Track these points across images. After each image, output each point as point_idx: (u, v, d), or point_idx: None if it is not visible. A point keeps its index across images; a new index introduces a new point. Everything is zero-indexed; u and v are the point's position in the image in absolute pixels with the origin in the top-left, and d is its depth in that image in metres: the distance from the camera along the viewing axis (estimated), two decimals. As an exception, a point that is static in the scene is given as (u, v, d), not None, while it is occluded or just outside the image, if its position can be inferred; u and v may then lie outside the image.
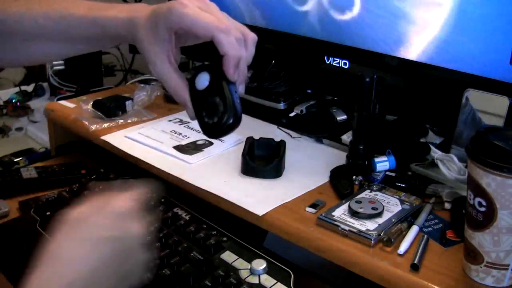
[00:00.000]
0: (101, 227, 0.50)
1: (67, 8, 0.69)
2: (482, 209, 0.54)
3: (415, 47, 0.81)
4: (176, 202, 0.82)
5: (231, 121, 0.56)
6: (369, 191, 0.74)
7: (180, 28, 0.58)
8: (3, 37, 0.72)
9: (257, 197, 0.74)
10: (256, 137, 0.86)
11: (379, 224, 0.66)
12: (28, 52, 0.73)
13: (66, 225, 0.50)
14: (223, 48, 0.56)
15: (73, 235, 0.50)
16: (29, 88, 1.56)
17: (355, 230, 0.64)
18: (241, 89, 0.59)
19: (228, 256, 0.69)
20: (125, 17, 0.63)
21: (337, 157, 0.85)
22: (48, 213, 0.82)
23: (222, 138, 0.91)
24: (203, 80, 0.58)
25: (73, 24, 0.68)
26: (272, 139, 0.85)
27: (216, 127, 0.56)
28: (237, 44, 0.57)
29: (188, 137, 0.93)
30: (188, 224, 0.75)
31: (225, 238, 0.72)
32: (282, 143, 0.83)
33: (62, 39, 0.71)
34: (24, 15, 0.71)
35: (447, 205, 0.71)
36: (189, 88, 0.59)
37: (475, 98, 0.72)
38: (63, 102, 1.12)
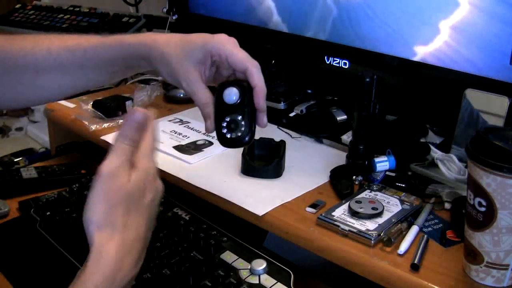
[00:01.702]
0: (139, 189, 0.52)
1: (81, 38, 0.72)
2: (482, 209, 0.54)
3: (415, 47, 0.81)
4: (176, 202, 0.82)
5: (246, 139, 0.64)
6: (369, 191, 0.74)
7: (219, 56, 0.67)
8: (14, 73, 0.72)
9: (257, 197, 0.74)
10: (256, 137, 0.86)
11: (379, 224, 0.66)
12: (43, 86, 0.74)
13: (103, 183, 0.50)
14: (254, 80, 0.65)
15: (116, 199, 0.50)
16: (29, 88, 1.55)
17: (355, 230, 0.64)
18: (265, 120, 0.67)
19: (228, 256, 0.69)
20: (142, 40, 0.70)
21: (337, 157, 0.85)
22: (48, 213, 0.82)
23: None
24: (231, 95, 0.64)
25: (90, 51, 0.71)
26: (272, 139, 0.85)
27: (233, 141, 0.64)
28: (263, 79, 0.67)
29: (188, 137, 0.93)
30: (188, 224, 0.75)
31: (225, 238, 0.72)
32: (282, 143, 0.83)
33: (77, 68, 0.73)
34: (36, 47, 0.72)
35: (447, 205, 0.71)
36: (216, 98, 0.65)
37: (475, 98, 0.72)
38: (63, 102, 1.12)
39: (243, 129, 0.64)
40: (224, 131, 0.65)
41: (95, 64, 0.73)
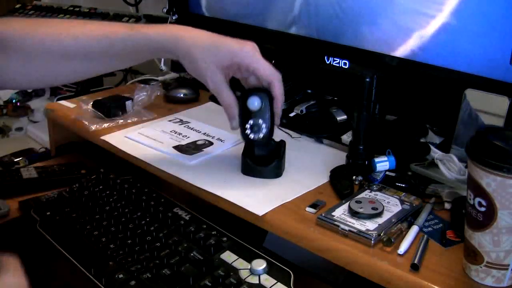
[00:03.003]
0: None
1: (107, 27, 0.75)
2: (482, 209, 0.54)
3: (415, 47, 0.81)
4: (176, 202, 0.82)
5: (267, 138, 0.78)
6: (369, 191, 0.74)
7: (247, 69, 0.74)
8: (39, 58, 0.74)
9: (257, 197, 0.74)
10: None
11: (379, 224, 0.66)
12: (68, 71, 0.77)
13: None
14: (276, 92, 0.75)
15: None
16: (29, 88, 1.55)
17: (355, 230, 0.64)
18: (277, 121, 0.78)
19: (228, 256, 0.69)
20: (169, 35, 0.73)
21: (337, 157, 0.85)
22: (48, 213, 0.82)
23: (222, 138, 0.92)
24: (254, 103, 0.76)
25: (117, 44, 0.74)
26: (272, 139, 0.85)
27: (255, 140, 0.78)
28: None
29: (188, 137, 0.93)
30: (188, 224, 0.75)
31: (225, 238, 0.72)
32: (282, 143, 0.83)
33: (102, 56, 0.76)
34: (63, 34, 0.75)
35: (447, 205, 0.71)
36: (240, 104, 0.76)
37: (475, 98, 0.72)
38: (63, 102, 1.12)
39: (264, 130, 0.77)
40: (248, 132, 0.77)
41: (121, 54, 0.76)
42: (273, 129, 0.78)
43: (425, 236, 0.64)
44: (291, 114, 1.00)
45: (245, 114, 0.77)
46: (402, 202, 0.71)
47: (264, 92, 0.76)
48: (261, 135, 0.77)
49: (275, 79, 0.75)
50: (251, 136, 0.77)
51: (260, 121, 0.76)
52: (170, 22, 1.17)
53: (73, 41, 0.74)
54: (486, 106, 0.71)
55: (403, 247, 0.62)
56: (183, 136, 0.93)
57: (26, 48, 0.73)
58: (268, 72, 0.74)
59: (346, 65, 0.91)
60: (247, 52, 0.74)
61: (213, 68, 0.73)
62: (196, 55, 0.73)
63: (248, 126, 0.77)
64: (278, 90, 0.75)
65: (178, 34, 0.74)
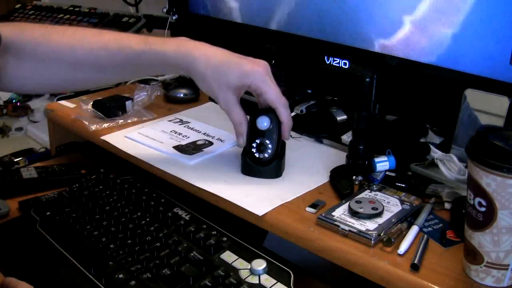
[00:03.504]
0: None
1: (122, 41, 0.76)
2: (482, 209, 0.54)
3: (415, 47, 0.81)
4: (176, 202, 0.82)
5: (271, 159, 0.79)
6: (369, 191, 0.74)
7: (255, 91, 0.76)
8: (51, 66, 0.76)
9: (257, 197, 0.74)
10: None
11: (379, 224, 0.66)
12: (79, 79, 0.78)
13: None
14: (283, 118, 0.77)
15: None
16: (29, 88, 1.55)
17: (355, 230, 0.64)
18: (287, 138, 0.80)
19: (228, 256, 0.69)
20: (182, 55, 0.75)
21: (337, 157, 0.85)
22: (48, 213, 0.82)
23: (222, 138, 0.92)
24: (263, 123, 0.78)
25: (132, 56, 0.75)
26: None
27: (259, 160, 0.79)
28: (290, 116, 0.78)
29: (188, 137, 0.93)
30: (188, 224, 0.75)
31: (225, 238, 0.72)
32: (282, 143, 0.83)
33: (115, 69, 0.77)
34: (76, 45, 0.76)
35: (447, 205, 0.71)
36: (250, 122, 0.79)
37: (475, 98, 0.72)
38: (63, 102, 1.12)
39: (269, 151, 0.79)
40: (254, 150, 0.79)
41: (134, 68, 0.78)
42: (278, 150, 0.79)
43: (425, 236, 0.64)
44: (291, 114, 0.99)
45: (253, 132, 0.79)
46: (402, 202, 0.71)
47: (275, 113, 0.78)
48: (266, 155, 0.78)
49: (281, 105, 0.76)
50: (256, 154, 0.79)
51: (267, 141, 0.78)
52: (170, 22, 1.17)
53: (87, 53, 0.75)
54: (486, 106, 0.71)
55: (403, 247, 0.62)
56: (183, 136, 0.93)
57: (38, 56, 0.74)
58: (273, 98, 0.76)
59: (346, 65, 0.91)
60: (258, 74, 0.75)
61: (224, 88, 0.75)
62: (208, 75, 0.75)
63: (254, 145, 0.79)
64: (283, 116, 0.77)
65: (192, 52, 0.75)
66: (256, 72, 0.75)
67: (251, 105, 0.82)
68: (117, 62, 0.76)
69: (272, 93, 0.76)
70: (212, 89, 0.76)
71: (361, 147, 0.78)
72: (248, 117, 0.79)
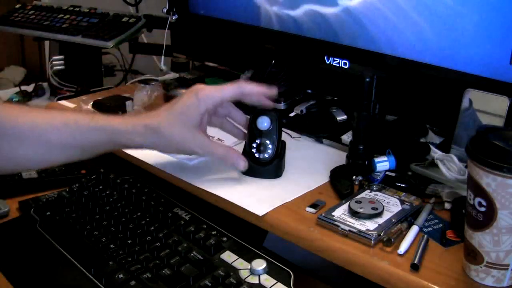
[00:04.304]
0: None
1: (70, 117, 0.73)
2: (482, 209, 0.54)
3: (416, 47, 0.81)
4: (176, 202, 0.82)
5: (271, 159, 0.79)
6: (369, 191, 0.74)
7: (211, 106, 0.74)
8: None
9: (257, 197, 0.74)
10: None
11: (379, 224, 0.66)
12: (24, 156, 0.72)
13: None
14: (252, 91, 0.76)
15: None
16: (29, 88, 1.55)
17: (355, 230, 0.64)
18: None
19: (228, 256, 0.69)
20: (140, 124, 0.72)
21: (337, 157, 0.85)
22: (48, 213, 0.82)
23: (222, 138, 0.91)
24: (263, 123, 0.78)
25: (77, 132, 0.72)
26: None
27: (259, 160, 0.79)
28: None
29: (188, 137, 0.93)
30: (188, 224, 0.75)
31: (225, 238, 0.72)
32: (282, 143, 0.83)
33: (63, 145, 0.73)
34: (20, 118, 0.71)
35: (447, 205, 0.71)
36: (250, 123, 0.79)
37: (475, 98, 0.72)
38: (63, 102, 1.12)
39: (269, 151, 0.79)
40: (254, 150, 0.79)
41: (82, 145, 0.73)
42: (278, 150, 0.79)
43: (425, 236, 0.64)
44: (291, 114, 1.00)
45: (253, 132, 0.79)
46: (402, 202, 0.71)
47: (274, 113, 0.78)
48: (266, 155, 0.78)
49: (240, 92, 0.75)
50: (256, 155, 0.79)
51: (267, 141, 0.78)
52: (170, 22, 1.17)
53: (33, 126, 0.71)
54: (486, 106, 0.71)
55: (403, 247, 0.62)
56: (183, 136, 0.93)
57: None
58: (230, 95, 0.75)
59: (346, 65, 0.91)
60: (203, 92, 0.74)
61: (189, 134, 0.73)
62: (174, 136, 0.73)
63: (254, 145, 0.79)
64: (251, 89, 0.76)
65: (149, 123, 0.73)
66: (202, 92, 0.74)
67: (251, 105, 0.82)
68: (64, 137, 0.72)
69: (225, 93, 0.75)
70: (181, 147, 0.74)
71: (361, 147, 0.78)
72: (248, 117, 0.79)
